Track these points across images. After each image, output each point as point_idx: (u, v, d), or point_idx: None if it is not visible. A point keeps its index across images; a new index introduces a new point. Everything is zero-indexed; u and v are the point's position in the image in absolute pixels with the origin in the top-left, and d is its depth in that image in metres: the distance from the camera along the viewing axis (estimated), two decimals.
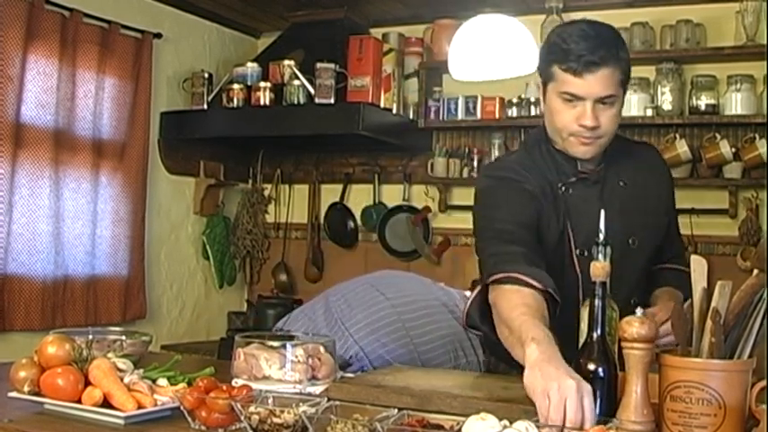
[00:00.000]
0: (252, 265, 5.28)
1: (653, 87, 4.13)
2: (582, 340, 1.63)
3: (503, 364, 2.23)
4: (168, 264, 4.78)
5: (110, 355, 1.87)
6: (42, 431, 1.58)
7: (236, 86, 4.49)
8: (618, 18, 4.25)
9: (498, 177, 2.19)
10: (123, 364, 1.77)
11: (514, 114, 4.41)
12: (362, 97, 4.26)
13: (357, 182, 5.05)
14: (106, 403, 1.64)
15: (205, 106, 4.60)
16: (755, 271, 1.50)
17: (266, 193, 5.29)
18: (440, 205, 4.73)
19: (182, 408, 1.59)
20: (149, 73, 4.45)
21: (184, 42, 4.81)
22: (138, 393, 1.65)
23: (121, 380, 1.68)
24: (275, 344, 1.89)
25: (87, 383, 1.67)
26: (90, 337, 2.00)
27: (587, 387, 1.50)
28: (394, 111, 4.55)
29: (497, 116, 4.44)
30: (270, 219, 5.30)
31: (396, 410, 1.45)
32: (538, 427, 1.37)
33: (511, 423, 1.37)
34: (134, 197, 4.38)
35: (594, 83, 1.99)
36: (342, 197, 5.07)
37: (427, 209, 4.77)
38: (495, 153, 4.47)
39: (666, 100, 4.07)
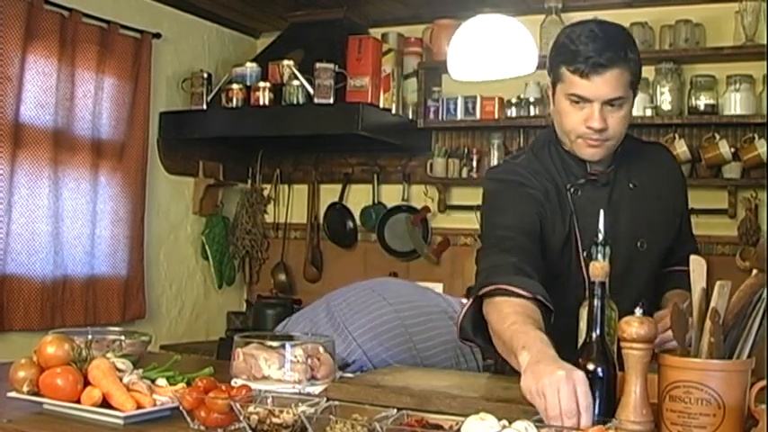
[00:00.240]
0: (251, 265, 5.28)
1: (652, 87, 4.13)
2: (581, 340, 1.63)
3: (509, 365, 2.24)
4: (167, 264, 4.78)
5: (109, 355, 1.87)
6: (41, 431, 1.58)
7: (235, 86, 4.49)
8: (617, 18, 4.20)
9: (502, 180, 2.18)
10: (122, 364, 1.77)
11: (513, 114, 4.41)
12: (362, 97, 4.26)
13: (356, 182, 5.05)
14: (105, 403, 1.64)
15: (204, 106, 4.60)
16: (754, 271, 1.50)
17: (265, 193, 5.29)
18: (439, 205, 4.73)
19: (181, 408, 1.59)
20: (148, 73, 4.45)
21: (184, 42, 4.81)
22: (137, 393, 1.65)
23: (121, 380, 1.68)
24: (274, 344, 1.89)
25: (86, 383, 1.67)
26: (89, 337, 2.00)
27: (579, 374, 1.49)
28: (393, 111, 4.55)
29: (496, 116, 4.44)
30: (269, 219, 5.30)
31: (395, 410, 1.45)
32: (537, 427, 1.37)
33: (510, 423, 1.37)
34: (133, 197, 4.38)
35: (602, 85, 1.97)
36: (341, 197, 5.07)
37: (426, 209, 4.77)
38: (495, 153, 4.48)
39: (666, 100, 4.07)
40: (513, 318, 1.78)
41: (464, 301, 2.47)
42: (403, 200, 4.89)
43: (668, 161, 2.30)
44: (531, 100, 4.35)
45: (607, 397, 1.53)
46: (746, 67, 3.95)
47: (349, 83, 4.31)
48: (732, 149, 3.90)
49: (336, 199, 5.08)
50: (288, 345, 1.86)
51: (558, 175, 2.14)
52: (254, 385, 1.69)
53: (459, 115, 4.52)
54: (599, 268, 1.58)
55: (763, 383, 1.42)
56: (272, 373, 1.83)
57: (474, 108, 4.48)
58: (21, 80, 3.77)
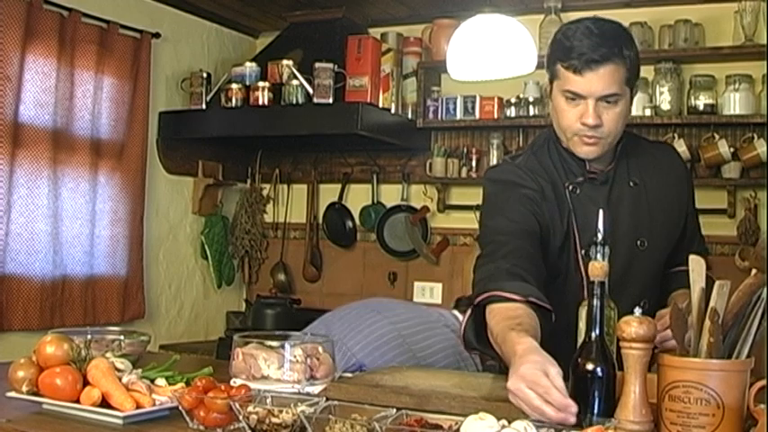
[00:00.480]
0: (250, 264, 5.28)
1: (651, 87, 4.13)
2: (580, 340, 1.63)
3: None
4: (167, 263, 4.78)
5: (108, 354, 1.87)
6: (41, 431, 1.58)
7: (234, 86, 4.49)
8: (617, 18, 4.20)
9: (497, 181, 2.19)
10: (122, 363, 1.77)
11: (513, 114, 4.41)
12: (361, 97, 4.26)
13: (355, 181, 5.05)
14: (105, 403, 1.64)
15: (204, 106, 4.60)
16: (754, 271, 1.50)
17: (265, 192, 5.29)
18: (438, 205, 4.73)
19: (180, 407, 1.59)
20: (148, 73, 4.45)
21: (183, 42, 4.81)
22: (136, 393, 1.65)
23: (120, 380, 1.68)
24: (274, 344, 1.89)
25: (86, 383, 1.67)
26: (88, 336, 2.00)
27: (545, 361, 1.54)
28: (392, 110, 4.55)
29: (496, 116, 4.44)
30: (268, 218, 5.30)
31: (394, 410, 1.45)
32: (536, 426, 1.37)
33: (509, 423, 1.37)
34: (132, 197, 4.38)
35: (596, 81, 1.97)
36: (340, 197, 5.07)
37: (426, 208, 4.77)
38: (494, 153, 4.48)
39: (665, 100, 4.07)
40: (505, 323, 1.80)
41: (455, 312, 2.49)
42: (402, 199, 4.89)
43: (673, 160, 2.29)
44: (531, 100, 4.35)
45: (606, 397, 1.53)
46: (746, 66, 3.95)
47: (348, 83, 4.31)
48: (731, 149, 3.90)
49: (336, 199, 5.08)
50: (287, 344, 1.86)
51: (557, 173, 2.14)
52: (253, 385, 1.69)
53: (459, 115, 4.52)
54: (598, 268, 1.58)
55: (762, 383, 1.42)
56: (272, 373, 1.83)
57: (473, 108, 4.49)
58: (20, 80, 3.77)
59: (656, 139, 4.07)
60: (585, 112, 2.00)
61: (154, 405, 1.65)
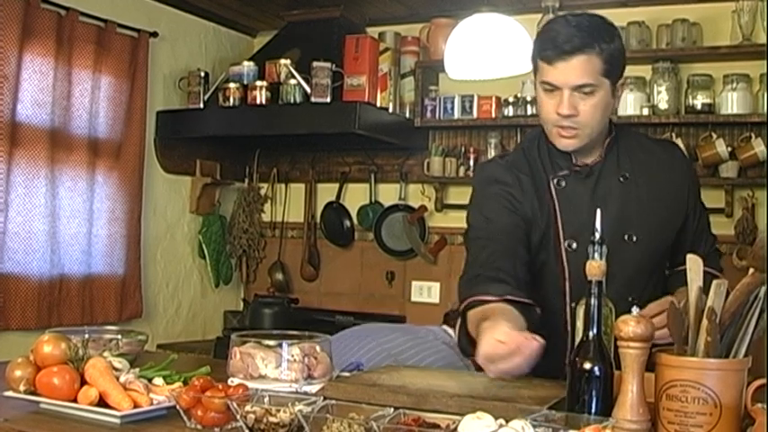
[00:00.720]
0: (248, 264, 5.28)
1: (649, 86, 4.13)
2: (578, 339, 1.63)
3: None
4: (164, 263, 4.78)
5: (106, 354, 1.87)
6: (38, 430, 1.58)
7: (232, 85, 4.49)
8: (614, 17, 4.19)
9: (479, 180, 2.28)
10: (119, 363, 1.77)
11: (511, 113, 4.41)
12: (359, 96, 4.26)
13: (353, 181, 5.05)
14: (102, 402, 1.63)
15: (201, 105, 4.60)
16: (751, 270, 1.50)
17: (262, 192, 5.29)
18: (436, 204, 4.73)
19: (177, 407, 1.59)
20: (145, 72, 4.45)
21: (181, 41, 4.80)
22: (133, 392, 1.65)
23: (117, 379, 1.68)
24: (271, 343, 1.88)
25: (83, 383, 1.67)
26: (86, 336, 2.00)
27: (493, 326, 1.74)
28: (390, 110, 4.55)
29: (493, 115, 4.44)
30: (266, 218, 5.30)
31: (392, 409, 1.45)
32: (534, 426, 1.37)
33: (507, 422, 1.36)
34: (130, 196, 4.38)
35: (568, 71, 2.01)
36: (338, 196, 5.07)
37: (423, 208, 4.77)
38: (492, 152, 4.48)
39: (662, 99, 4.07)
40: (478, 324, 1.91)
41: (444, 327, 2.50)
42: (400, 199, 4.89)
43: (675, 159, 2.28)
44: (528, 99, 4.35)
45: (604, 396, 1.53)
46: (743, 66, 3.95)
47: (346, 82, 4.31)
48: (729, 149, 3.90)
49: (333, 198, 5.08)
50: (285, 344, 1.86)
51: (544, 167, 2.18)
52: (250, 384, 1.69)
53: (457, 114, 4.52)
54: (596, 267, 1.58)
55: (759, 382, 1.43)
56: (269, 372, 1.83)
57: (471, 107, 4.49)
58: (17, 79, 3.77)
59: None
60: (560, 102, 2.03)
61: (151, 404, 1.65)
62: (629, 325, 1.48)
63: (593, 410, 1.51)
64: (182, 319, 4.89)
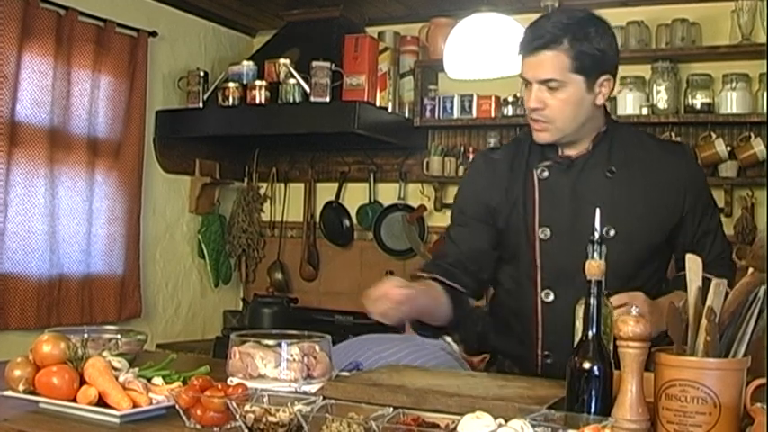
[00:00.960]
0: (247, 263, 5.28)
1: (648, 86, 4.13)
2: (577, 339, 1.63)
3: (508, 360, 2.38)
4: (163, 262, 4.78)
5: (105, 353, 1.87)
6: (38, 430, 1.58)
7: (231, 85, 4.49)
8: (613, 17, 4.22)
9: (469, 168, 2.55)
10: (118, 362, 1.77)
11: (510, 113, 4.41)
12: (358, 96, 4.26)
13: (353, 180, 5.05)
14: (101, 402, 1.63)
15: (201, 105, 4.60)
16: (751, 269, 1.50)
17: (262, 191, 5.29)
18: (435, 204, 4.73)
19: (177, 406, 1.59)
20: (145, 71, 4.44)
21: (180, 41, 4.80)
22: (133, 392, 1.65)
23: (117, 378, 1.68)
24: (270, 342, 1.89)
25: (82, 382, 1.67)
26: (85, 335, 2.00)
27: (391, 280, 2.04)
28: (389, 109, 4.55)
29: (493, 115, 4.44)
30: (265, 217, 5.30)
31: (391, 409, 1.45)
32: (533, 425, 1.37)
33: (506, 421, 1.37)
34: (129, 196, 4.37)
35: (535, 65, 2.11)
36: (337, 196, 5.07)
37: (423, 207, 4.77)
38: None
39: (662, 99, 4.07)
40: None
41: (449, 339, 2.56)
42: (399, 198, 4.89)
43: (679, 160, 2.27)
44: None
45: (603, 395, 1.53)
46: (742, 65, 3.95)
47: (345, 81, 4.31)
48: (728, 148, 3.90)
49: (333, 197, 5.08)
50: (284, 343, 1.86)
51: (531, 158, 2.26)
52: (250, 384, 1.69)
53: (456, 114, 4.52)
54: (595, 266, 1.58)
55: (759, 382, 1.43)
56: (269, 372, 1.83)
57: (470, 106, 4.49)
58: (17, 78, 3.77)
59: None
60: (530, 95, 2.13)
61: (150, 404, 1.65)
62: (629, 324, 1.49)
63: (592, 410, 1.51)
64: (181, 318, 4.89)
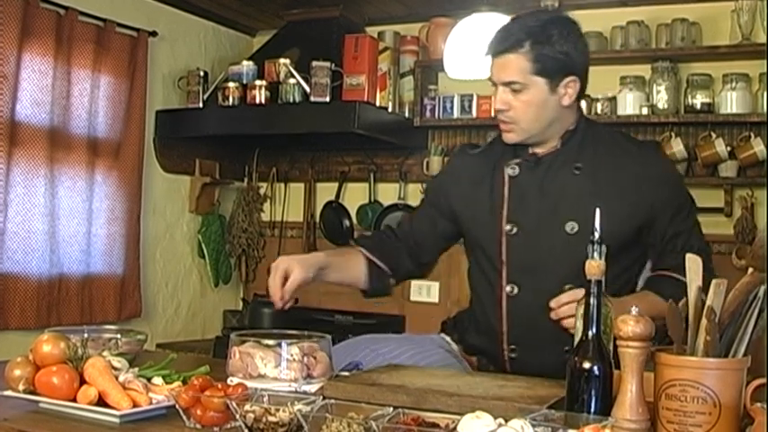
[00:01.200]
0: (247, 263, 5.27)
1: (648, 86, 4.13)
2: (577, 338, 1.63)
3: (483, 358, 2.41)
4: (163, 262, 4.78)
5: (105, 353, 1.87)
6: (38, 430, 1.58)
7: (231, 85, 4.49)
8: (613, 16, 4.27)
9: (448, 160, 2.79)
10: (118, 362, 1.77)
11: None
12: (358, 96, 4.26)
13: (353, 180, 5.05)
14: (101, 402, 1.63)
15: (200, 105, 4.60)
16: (750, 269, 1.50)
17: (262, 191, 5.29)
18: None
19: (177, 406, 1.59)
20: (145, 71, 4.44)
21: (180, 41, 4.80)
22: (133, 392, 1.65)
23: (117, 378, 1.68)
24: (270, 342, 1.89)
25: (82, 382, 1.67)
26: (85, 335, 2.00)
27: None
28: (389, 109, 4.55)
29: (493, 115, 4.40)
30: (265, 217, 5.29)
31: (391, 409, 1.45)
32: (533, 425, 1.37)
33: (506, 421, 1.36)
34: (129, 195, 4.37)
35: (499, 68, 2.17)
36: (337, 195, 5.07)
37: None
38: None
39: (662, 98, 4.07)
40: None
41: (443, 335, 2.55)
42: (399, 198, 4.88)
43: (650, 159, 2.26)
44: None
45: (603, 395, 1.53)
46: (742, 65, 3.95)
47: (345, 81, 4.31)
48: (728, 148, 3.90)
49: (333, 197, 5.07)
50: (284, 343, 1.86)
51: (503, 155, 2.31)
52: (250, 384, 1.69)
53: (456, 113, 4.52)
54: (594, 267, 1.58)
55: (759, 381, 1.43)
56: (269, 372, 1.83)
57: (470, 106, 4.48)
58: (17, 78, 3.77)
59: (653, 137, 4.08)
60: (496, 97, 2.21)
61: (150, 404, 1.65)
62: (629, 324, 1.49)
63: (592, 410, 1.51)
64: (181, 318, 4.89)
